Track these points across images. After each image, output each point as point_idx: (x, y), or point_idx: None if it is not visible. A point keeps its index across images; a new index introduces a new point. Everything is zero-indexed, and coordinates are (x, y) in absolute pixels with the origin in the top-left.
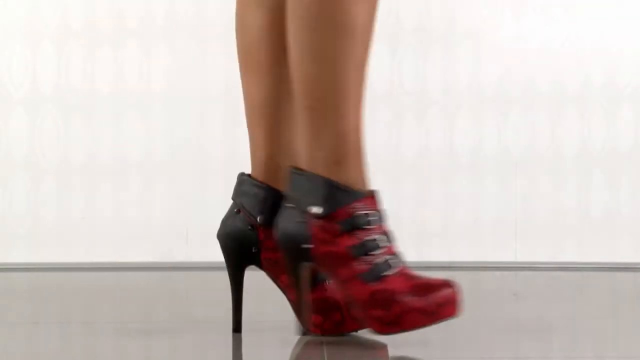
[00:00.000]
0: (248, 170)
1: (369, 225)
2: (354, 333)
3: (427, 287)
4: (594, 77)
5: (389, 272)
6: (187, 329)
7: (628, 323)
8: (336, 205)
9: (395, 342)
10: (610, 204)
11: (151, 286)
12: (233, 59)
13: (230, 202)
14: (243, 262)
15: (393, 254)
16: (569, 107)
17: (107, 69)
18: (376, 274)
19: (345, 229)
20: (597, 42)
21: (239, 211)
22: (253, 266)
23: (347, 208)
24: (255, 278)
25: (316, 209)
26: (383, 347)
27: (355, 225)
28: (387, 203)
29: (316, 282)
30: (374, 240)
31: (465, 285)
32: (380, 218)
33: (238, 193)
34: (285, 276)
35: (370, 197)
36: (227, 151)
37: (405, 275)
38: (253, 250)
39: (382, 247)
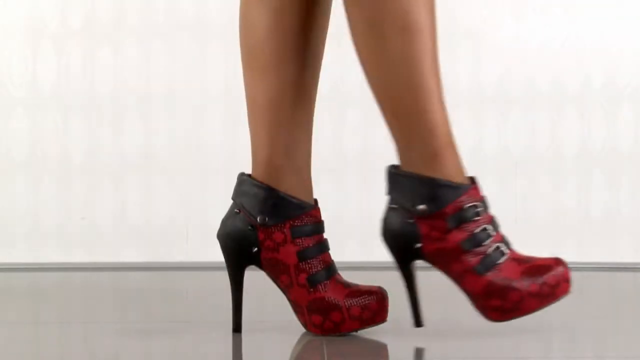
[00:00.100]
0: (248, 170)
1: (477, 216)
2: (354, 333)
3: (539, 269)
4: (594, 77)
5: (501, 260)
6: (187, 329)
7: (628, 323)
8: (443, 203)
9: (395, 342)
10: (610, 204)
11: (151, 286)
12: (233, 59)
13: (230, 202)
14: (243, 262)
15: (501, 240)
16: (569, 107)
17: (107, 69)
18: (489, 264)
19: (454, 224)
20: (597, 42)
21: (239, 211)
22: (253, 266)
23: (455, 203)
24: (255, 278)
25: (423, 208)
26: (383, 347)
27: (464, 219)
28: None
29: (315, 282)
30: (485, 230)
31: None
32: (485, 206)
33: (238, 193)
34: (285, 276)
35: (474, 187)
36: (227, 151)
37: (515, 259)
38: (253, 250)
39: (491, 236)
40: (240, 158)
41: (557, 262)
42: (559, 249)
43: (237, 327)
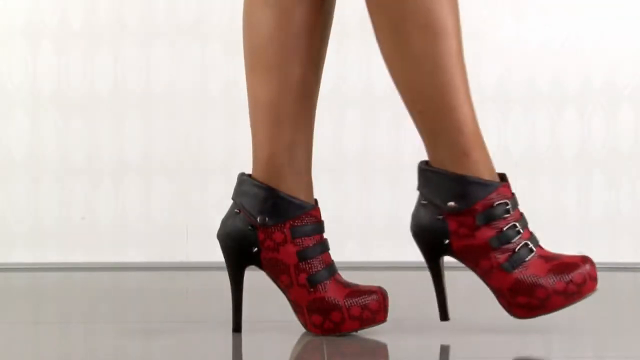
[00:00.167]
0: (248, 170)
1: (507, 214)
2: (354, 333)
3: (566, 267)
4: (594, 77)
5: (529, 258)
6: (187, 329)
7: (628, 323)
8: (473, 200)
9: (395, 342)
10: (610, 204)
11: (151, 286)
12: (233, 59)
13: (231, 202)
14: (243, 262)
15: (529, 237)
16: (569, 107)
17: (107, 69)
18: (517, 261)
19: (483, 222)
20: (597, 42)
21: (239, 211)
22: (253, 266)
23: (485, 201)
24: (255, 278)
25: (453, 205)
26: (383, 347)
27: (493, 217)
28: (387, 203)
29: (315, 282)
30: (514, 227)
31: (466, 285)
32: (515, 204)
33: (238, 193)
34: (285, 276)
35: (504, 185)
36: (227, 151)
37: (543, 257)
38: (253, 250)
39: (520, 233)
40: (240, 158)
41: (585, 260)
42: (559, 249)
43: (237, 327)
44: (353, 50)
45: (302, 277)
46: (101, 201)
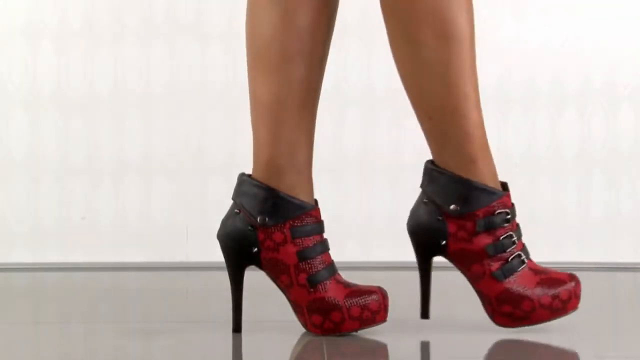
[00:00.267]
0: (248, 170)
1: (506, 223)
2: (354, 333)
3: (554, 282)
4: (594, 77)
5: (520, 268)
6: (187, 329)
7: (628, 323)
8: (476, 205)
9: (395, 342)
10: (610, 204)
11: (151, 286)
12: (233, 59)
13: (230, 202)
14: (243, 262)
15: (522, 248)
16: (569, 107)
17: (107, 69)
18: (509, 271)
19: (483, 228)
20: (597, 42)
21: (239, 211)
22: (253, 266)
23: (487, 208)
24: (255, 278)
25: (455, 207)
26: (383, 347)
27: (493, 224)
28: (387, 203)
29: (315, 282)
30: (510, 237)
31: (465, 285)
32: (514, 214)
33: (238, 193)
34: (285, 276)
35: (507, 195)
36: (227, 151)
37: (532, 269)
38: (253, 251)
39: (515, 244)
40: (240, 158)
41: (571, 277)
42: (559, 249)
43: (237, 327)
44: (353, 50)
45: (302, 277)
46: (101, 201)
